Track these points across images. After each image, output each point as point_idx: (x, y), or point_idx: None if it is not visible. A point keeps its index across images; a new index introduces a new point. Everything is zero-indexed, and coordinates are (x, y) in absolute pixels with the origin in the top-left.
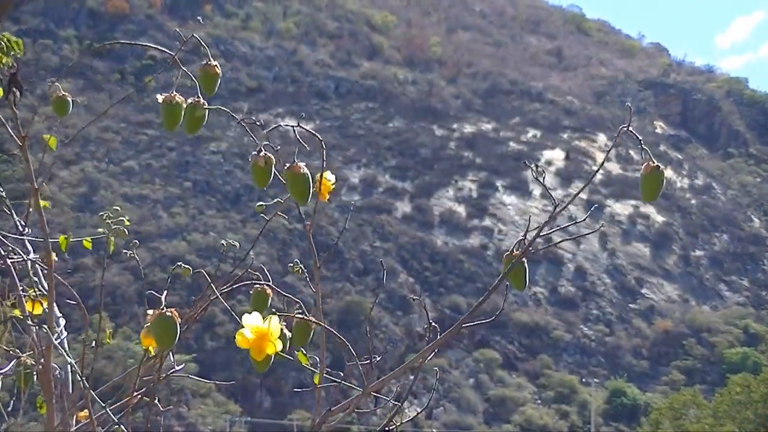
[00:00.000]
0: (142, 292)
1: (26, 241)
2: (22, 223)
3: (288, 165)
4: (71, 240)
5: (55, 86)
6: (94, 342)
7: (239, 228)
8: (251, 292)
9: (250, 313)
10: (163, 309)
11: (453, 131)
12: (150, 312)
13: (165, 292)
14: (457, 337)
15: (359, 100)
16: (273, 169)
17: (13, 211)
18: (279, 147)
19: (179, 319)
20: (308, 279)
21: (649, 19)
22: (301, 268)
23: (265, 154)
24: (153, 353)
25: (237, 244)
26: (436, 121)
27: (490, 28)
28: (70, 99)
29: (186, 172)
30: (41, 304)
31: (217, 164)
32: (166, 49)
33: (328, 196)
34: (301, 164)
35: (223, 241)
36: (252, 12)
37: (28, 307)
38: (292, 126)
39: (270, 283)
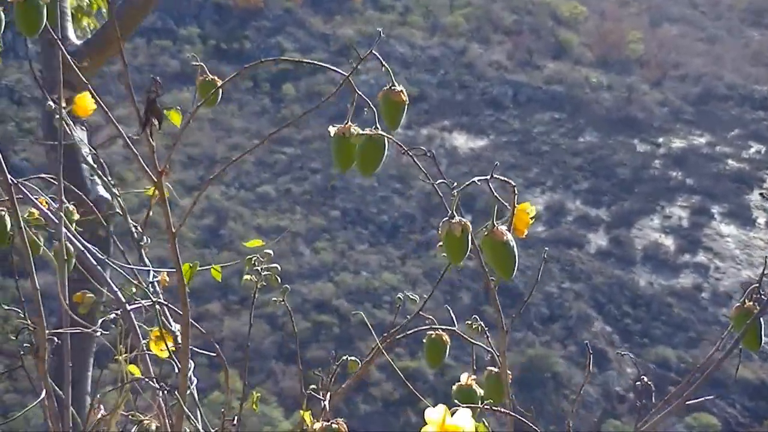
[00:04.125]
0: (282, 344)
1: (153, 283)
2: (145, 258)
3: (487, 229)
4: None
5: (200, 66)
6: (232, 412)
7: (397, 266)
8: (425, 339)
9: (433, 365)
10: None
11: (658, 146)
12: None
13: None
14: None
15: (543, 109)
16: (470, 237)
17: (141, 247)
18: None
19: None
20: (486, 334)
21: None
22: (480, 325)
23: (461, 219)
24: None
25: (416, 297)
26: (638, 134)
27: (702, 20)
28: (219, 82)
29: (333, 199)
30: (169, 349)
31: (369, 189)
32: (339, 70)
33: (525, 232)
34: (503, 228)
35: (399, 295)
36: (411, 4)
37: (155, 348)
38: (485, 179)
39: (450, 328)
